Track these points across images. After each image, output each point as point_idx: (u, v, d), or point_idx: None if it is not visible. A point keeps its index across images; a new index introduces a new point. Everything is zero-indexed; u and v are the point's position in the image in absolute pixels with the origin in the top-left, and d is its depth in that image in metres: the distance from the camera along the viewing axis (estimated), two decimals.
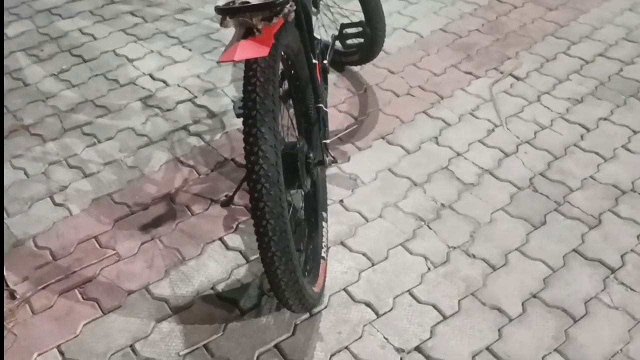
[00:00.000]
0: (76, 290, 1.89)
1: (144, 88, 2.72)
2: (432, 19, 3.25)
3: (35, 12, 3.23)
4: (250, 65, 1.43)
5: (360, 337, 1.77)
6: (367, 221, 2.15)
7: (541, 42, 3.06)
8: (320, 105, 1.76)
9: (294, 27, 1.70)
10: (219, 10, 1.35)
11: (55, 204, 2.17)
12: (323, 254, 1.92)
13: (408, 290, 1.91)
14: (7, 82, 2.74)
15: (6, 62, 2.87)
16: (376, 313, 1.84)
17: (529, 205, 2.21)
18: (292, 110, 1.93)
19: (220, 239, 2.05)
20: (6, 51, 2.93)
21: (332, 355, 1.72)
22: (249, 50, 1.34)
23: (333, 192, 2.24)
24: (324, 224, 2.01)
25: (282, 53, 1.75)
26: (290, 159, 1.64)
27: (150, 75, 2.80)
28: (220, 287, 1.90)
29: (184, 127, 2.51)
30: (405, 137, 2.50)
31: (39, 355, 1.72)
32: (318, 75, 1.78)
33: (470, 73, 2.86)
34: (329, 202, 2.20)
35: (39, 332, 1.78)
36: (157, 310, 1.83)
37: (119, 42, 3.01)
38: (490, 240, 2.07)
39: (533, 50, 3.00)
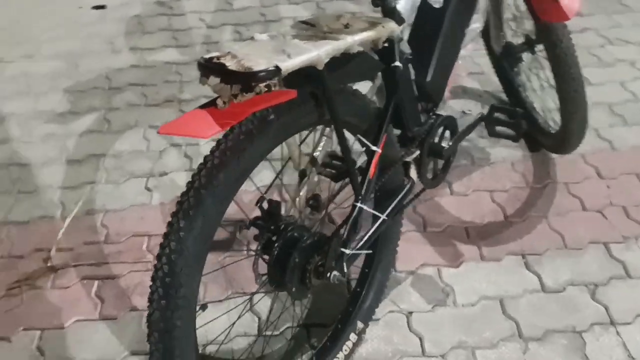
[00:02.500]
0: (96, 282, 1.84)
1: None
2: None
3: None
4: (220, 140, 1.13)
5: None
6: (423, 355, 1.65)
7: None
8: (360, 205, 1.34)
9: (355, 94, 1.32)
10: (199, 64, 1.07)
11: (145, 188, 2.14)
12: None
13: None
14: None
15: None
16: None
17: None
18: None
19: None
20: None
21: None
22: (193, 124, 1.03)
23: (409, 298, 1.77)
24: (352, 336, 1.59)
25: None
26: (283, 258, 1.29)
27: None
28: None
29: None
30: (552, 268, 1.86)
31: (23, 330, 1.73)
32: (374, 164, 1.35)
33: None
34: (393, 307, 1.75)
35: (40, 308, 1.77)
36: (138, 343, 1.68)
37: None
38: None
39: None
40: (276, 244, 1.29)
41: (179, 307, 1.08)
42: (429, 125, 1.57)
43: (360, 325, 1.61)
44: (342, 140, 1.24)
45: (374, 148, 1.34)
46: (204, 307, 1.26)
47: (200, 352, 1.45)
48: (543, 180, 2.15)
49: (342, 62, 1.19)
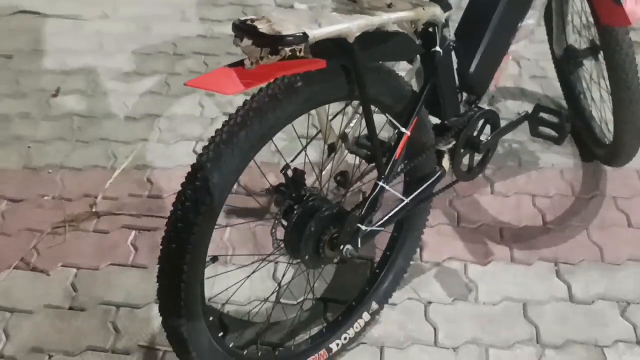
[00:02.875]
0: (133, 232, 1.93)
1: None
2: None
3: None
4: (245, 100, 1.17)
5: None
6: (435, 345, 1.65)
7: None
8: (382, 184, 1.35)
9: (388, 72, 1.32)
10: (234, 25, 1.12)
11: (193, 151, 2.22)
12: (332, 345, 1.56)
13: None
14: None
15: None
16: None
17: None
18: None
19: None
20: None
21: None
22: (219, 80, 1.08)
23: (430, 288, 1.77)
24: (365, 315, 1.61)
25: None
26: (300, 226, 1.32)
27: None
28: None
29: None
30: (585, 279, 1.81)
31: (62, 266, 1.84)
32: (401, 146, 1.36)
33: None
34: (412, 295, 1.75)
35: (80, 248, 1.88)
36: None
37: None
38: None
39: None
40: (296, 211, 1.32)
41: (187, 253, 1.14)
42: (468, 117, 1.56)
43: (375, 306, 1.62)
44: (369, 117, 1.26)
45: (402, 130, 1.34)
46: (214, 259, 1.31)
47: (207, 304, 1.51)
48: (591, 192, 2.08)
49: (377, 39, 1.20)
